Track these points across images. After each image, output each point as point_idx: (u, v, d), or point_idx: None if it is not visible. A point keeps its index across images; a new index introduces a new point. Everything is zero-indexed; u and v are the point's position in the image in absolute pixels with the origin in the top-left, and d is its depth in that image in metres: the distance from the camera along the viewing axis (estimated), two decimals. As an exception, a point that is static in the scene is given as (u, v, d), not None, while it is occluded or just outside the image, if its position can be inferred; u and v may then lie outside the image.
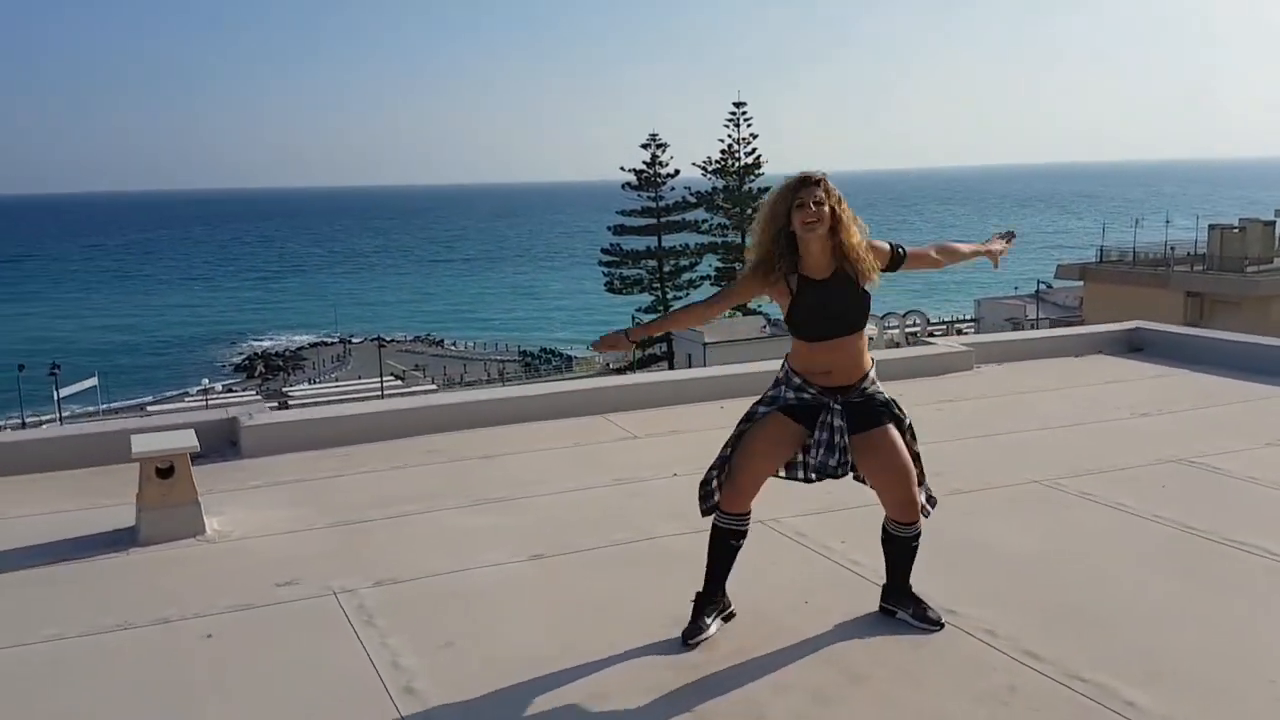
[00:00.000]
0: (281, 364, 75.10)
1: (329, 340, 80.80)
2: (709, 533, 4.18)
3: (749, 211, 60.02)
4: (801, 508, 5.69)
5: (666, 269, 58.58)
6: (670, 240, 59.13)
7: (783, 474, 4.20)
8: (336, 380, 62.63)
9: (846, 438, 4.00)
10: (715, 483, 4.13)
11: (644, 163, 58.63)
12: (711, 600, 4.22)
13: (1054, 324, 46.85)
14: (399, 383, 55.17)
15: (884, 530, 4.29)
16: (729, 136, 61.01)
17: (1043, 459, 6.58)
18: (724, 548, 4.16)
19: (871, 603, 4.52)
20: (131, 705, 3.83)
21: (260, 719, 3.69)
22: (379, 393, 45.66)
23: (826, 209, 3.91)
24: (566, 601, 4.65)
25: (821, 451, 4.01)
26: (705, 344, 49.06)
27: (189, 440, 5.52)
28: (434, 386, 51.04)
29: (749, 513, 4.16)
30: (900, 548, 4.26)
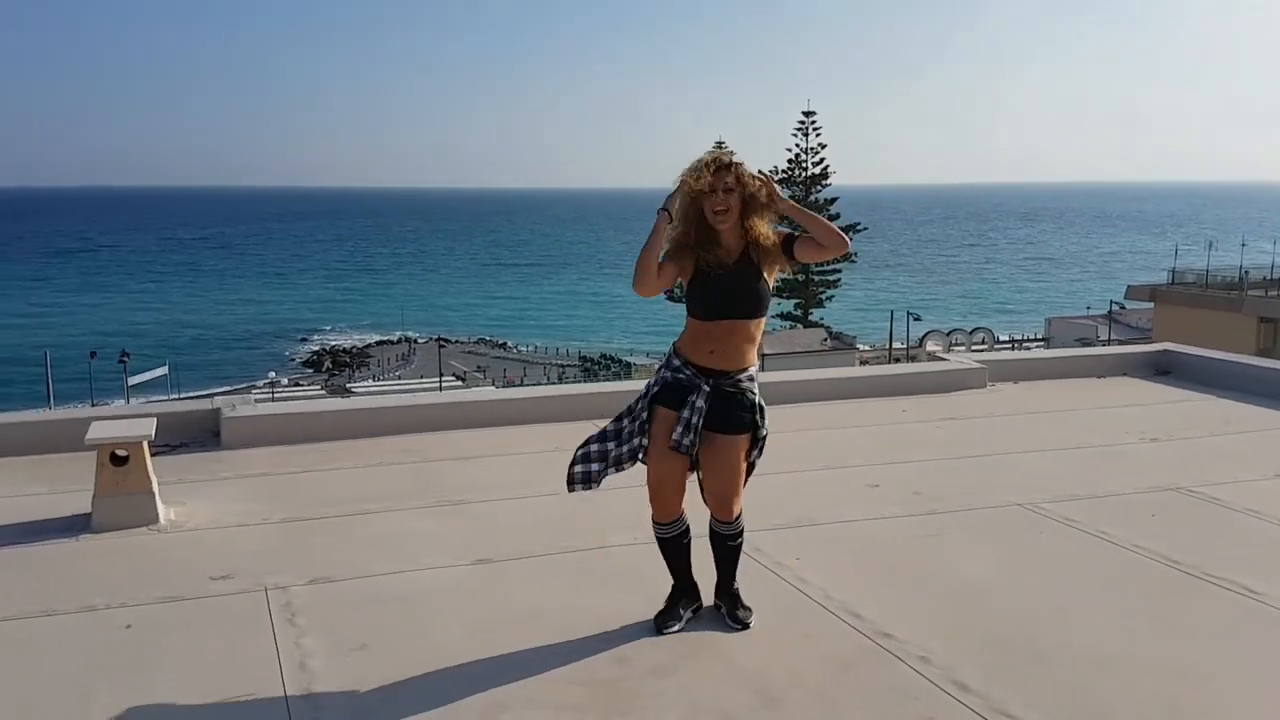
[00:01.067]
0: (348, 360, 76.11)
1: (394, 339, 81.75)
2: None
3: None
4: (762, 522, 5.51)
5: (728, 278, 58.37)
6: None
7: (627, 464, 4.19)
8: (399, 378, 63.31)
9: (700, 421, 3.96)
10: (587, 464, 4.14)
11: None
12: (687, 593, 4.26)
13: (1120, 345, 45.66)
14: (459, 383, 55.56)
15: (709, 527, 4.24)
16: (796, 145, 60.58)
17: (1032, 481, 6.31)
18: (675, 548, 4.21)
19: (810, 622, 4.35)
20: (19, 692, 3.78)
21: (146, 713, 3.61)
22: (437, 391, 46.02)
23: (736, 196, 3.86)
24: (499, 608, 4.52)
25: (679, 430, 3.96)
26: (764, 355, 48.75)
27: (145, 429, 5.51)
28: (492, 387, 51.33)
29: (682, 514, 4.16)
30: (720, 545, 4.23)
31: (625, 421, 4.15)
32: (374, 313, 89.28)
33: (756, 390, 4.11)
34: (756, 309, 4.01)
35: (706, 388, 3.98)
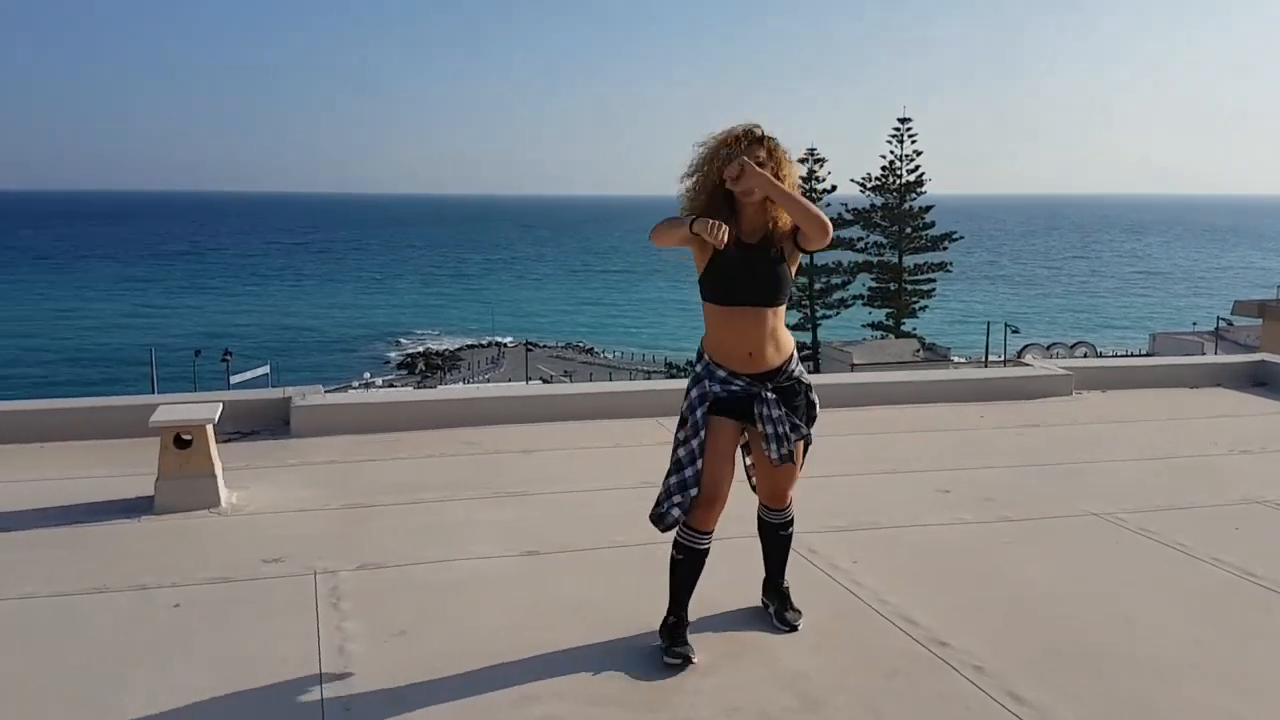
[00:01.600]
0: (440, 363, 77.19)
1: (484, 343, 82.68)
2: (672, 556, 3.90)
3: (908, 230, 58.64)
4: (821, 524, 5.38)
5: (817, 286, 57.60)
6: (823, 258, 58.13)
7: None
8: (488, 381, 63.98)
9: (787, 424, 3.79)
10: (673, 504, 3.80)
11: (800, 178, 57.83)
12: (685, 623, 3.93)
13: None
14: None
15: (759, 520, 4.14)
16: (891, 153, 59.66)
17: (1111, 491, 6.05)
18: (699, 564, 3.89)
19: (860, 626, 4.20)
20: (61, 666, 3.82)
21: (181, 692, 3.62)
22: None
23: (769, 172, 3.63)
24: (542, 600, 4.46)
25: (772, 445, 3.79)
26: (853, 365, 48.12)
27: (209, 413, 5.58)
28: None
29: (713, 530, 3.88)
30: (772, 535, 4.13)
31: (685, 449, 3.81)
32: (465, 317, 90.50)
33: (804, 373, 3.94)
34: (779, 295, 3.76)
35: (770, 395, 3.77)
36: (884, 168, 59.70)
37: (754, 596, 4.33)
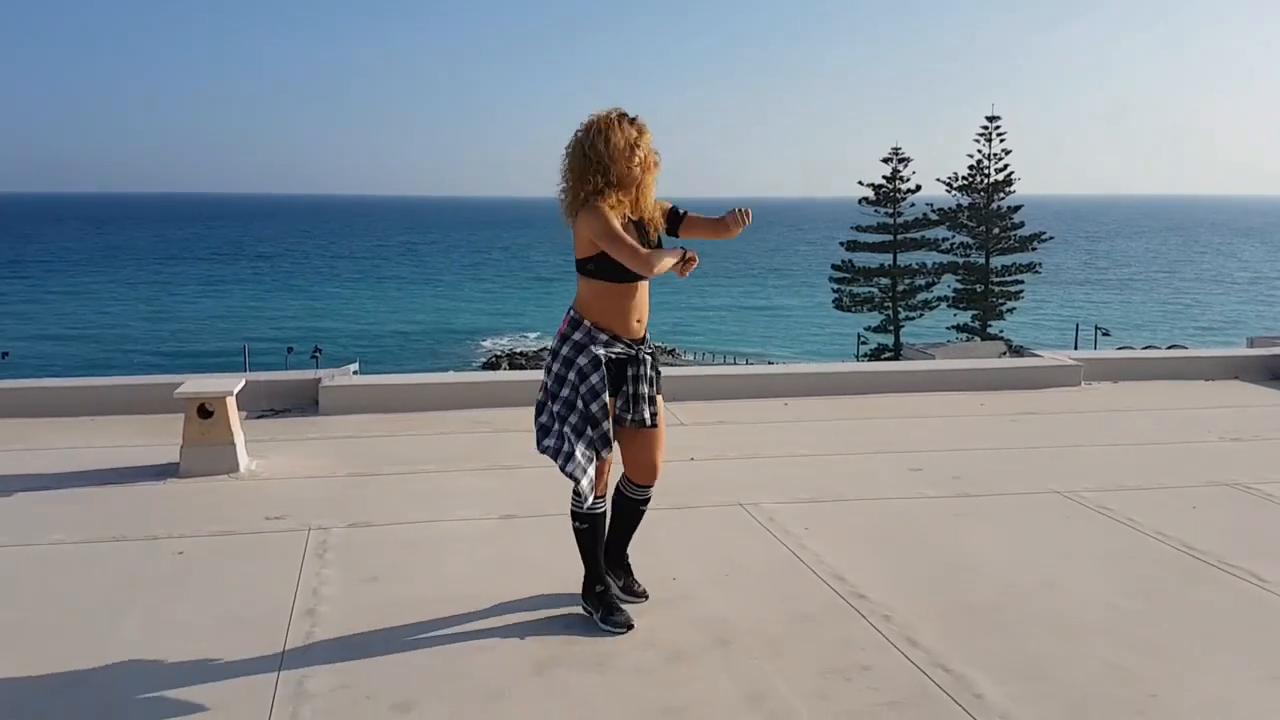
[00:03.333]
0: (524, 363, 78.36)
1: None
2: (578, 529, 4.14)
3: (995, 231, 57.80)
4: (788, 496, 5.74)
5: (901, 288, 57.13)
6: (906, 258, 57.69)
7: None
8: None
9: (654, 387, 4.07)
10: (583, 472, 3.96)
11: (884, 178, 57.42)
12: (611, 588, 4.19)
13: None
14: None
15: (618, 492, 4.24)
16: (979, 152, 58.80)
17: (1084, 473, 6.26)
18: (600, 531, 4.17)
19: (793, 583, 4.53)
20: (69, 598, 4.36)
21: (171, 623, 4.11)
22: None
23: (643, 154, 3.89)
24: (507, 557, 4.88)
25: (643, 406, 4.03)
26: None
27: (229, 386, 6.12)
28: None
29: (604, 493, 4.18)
30: (633, 511, 4.25)
31: (585, 421, 3.95)
32: (544, 318, 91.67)
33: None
34: None
35: (647, 355, 4.03)
36: (971, 167, 58.94)
37: (698, 547, 4.68)
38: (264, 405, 7.76)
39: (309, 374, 8.18)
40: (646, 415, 4.05)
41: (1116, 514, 5.48)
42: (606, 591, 4.15)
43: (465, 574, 4.63)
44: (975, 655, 3.83)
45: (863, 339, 57.37)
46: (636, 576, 4.36)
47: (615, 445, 4.09)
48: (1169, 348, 58.90)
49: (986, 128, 58.89)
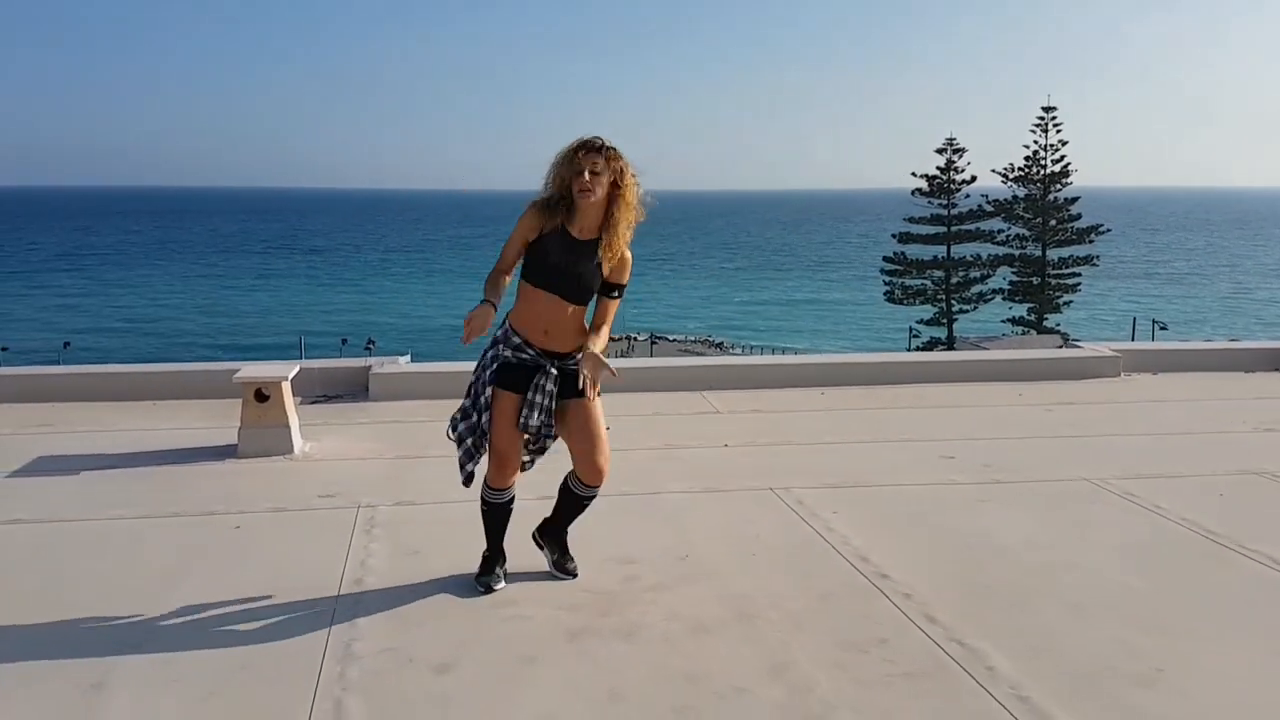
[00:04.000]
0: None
1: (615, 336, 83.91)
2: (480, 508, 4.43)
3: (1052, 223, 57.14)
4: (818, 481, 5.91)
5: (954, 280, 56.69)
6: (960, 250, 57.23)
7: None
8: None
9: (554, 402, 4.17)
10: (467, 451, 4.32)
11: (938, 168, 56.96)
12: (498, 558, 4.49)
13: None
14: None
15: (565, 483, 4.44)
16: (1035, 143, 58.02)
17: (1114, 461, 6.35)
18: (502, 515, 4.45)
19: (817, 562, 4.70)
20: (129, 567, 4.66)
21: (227, 588, 4.39)
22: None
23: (605, 179, 4.03)
24: (544, 533, 5.09)
25: (535, 413, 4.17)
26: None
27: (285, 371, 6.41)
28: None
29: (511, 484, 4.39)
30: (573, 503, 4.44)
31: (473, 408, 4.30)
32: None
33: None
34: (586, 293, 4.15)
35: (553, 370, 4.15)
36: (1027, 158, 58.19)
37: (726, 527, 4.88)
38: (318, 391, 8.08)
39: (360, 361, 8.48)
40: (533, 421, 4.19)
41: (1142, 500, 5.59)
42: (489, 560, 4.47)
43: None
44: (990, 631, 3.98)
45: (915, 332, 57.02)
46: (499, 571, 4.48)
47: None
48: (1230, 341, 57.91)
49: (1043, 118, 58.10)
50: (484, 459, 4.34)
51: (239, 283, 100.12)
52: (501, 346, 4.21)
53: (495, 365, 4.22)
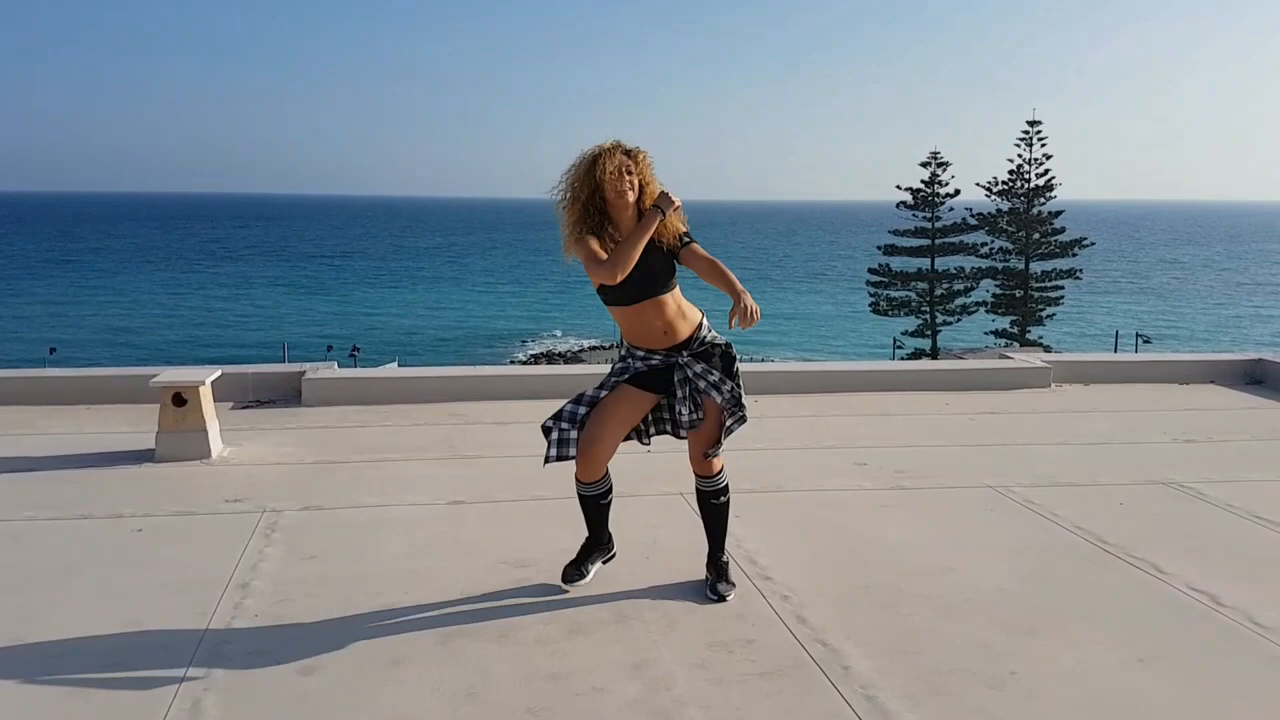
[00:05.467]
0: (564, 361, 78.88)
1: (607, 345, 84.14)
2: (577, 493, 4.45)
3: (1036, 236, 57.36)
4: (732, 488, 5.95)
5: (938, 292, 56.89)
6: (944, 263, 57.45)
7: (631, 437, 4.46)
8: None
9: (709, 379, 4.25)
10: (559, 436, 4.29)
11: (922, 181, 57.21)
12: (597, 548, 4.55)
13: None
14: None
15: (696, 490, 4.53)
16: (1019, 156, 58.24)
17: (1025, 469, 6.44)
18: (595, 507, 4.46)
19: (704, 561, 4.75)
20: (26, 564, 4.72)
21: (115, 588, 4.45)
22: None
23: (635, 177, 4.12)
24: (445, 538, 5.16)
25: (687, 409, 4.25)
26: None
27: (202, 376, 6.47)
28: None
29: (606, 475, 4.39)
30: (704, 503, 4.50)
31: (581, 403, 4.31)
32: (593, 319, 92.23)
33: (716, 334, 4.35)
34: (670, 280, 4.20)
35: (686, 358, 4.22)
36: (1011, 171, 58.41)
37: (627, 531, 4.95)
38: (250, 397, 8.13)
39: (293, 367, 8.52)
40: (684, 417, 4.28)
41: (1040, 508, 5.67)
42: (585, 545, 4.52)
43: (400, 554, 4.92)
44: (856, 631, 4.06)
45: (899, 343, 57.20)
46: (589, 566, 4.51)
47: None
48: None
49: (1028, 132, 58.34)
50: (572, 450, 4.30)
51: (225, 288, 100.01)
52: (631, 360, 4.29)
53: (628, 373, 4.28)
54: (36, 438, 7.08)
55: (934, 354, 54.21)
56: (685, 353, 4.25)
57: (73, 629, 4.04)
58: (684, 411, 4.26)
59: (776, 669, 3.76)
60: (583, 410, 4.33)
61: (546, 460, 4.35)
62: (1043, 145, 58.19)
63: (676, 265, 4.24)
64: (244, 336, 73.26)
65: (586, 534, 4.55)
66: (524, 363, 79.64)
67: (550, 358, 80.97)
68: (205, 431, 6.42)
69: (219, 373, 6.77)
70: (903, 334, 57.61)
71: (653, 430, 4.52)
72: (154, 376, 6.65)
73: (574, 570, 4.48)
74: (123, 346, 67.88)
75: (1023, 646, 3.95)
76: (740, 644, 3.97)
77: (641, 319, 4.23)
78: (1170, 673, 3.76)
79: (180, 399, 6.38)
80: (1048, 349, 53.76)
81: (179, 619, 4.13)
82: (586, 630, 4.09)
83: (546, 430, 4.34)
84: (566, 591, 4.45)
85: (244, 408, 7.95)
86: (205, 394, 6.47)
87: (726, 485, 4.49)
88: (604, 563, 4.60)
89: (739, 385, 4.36)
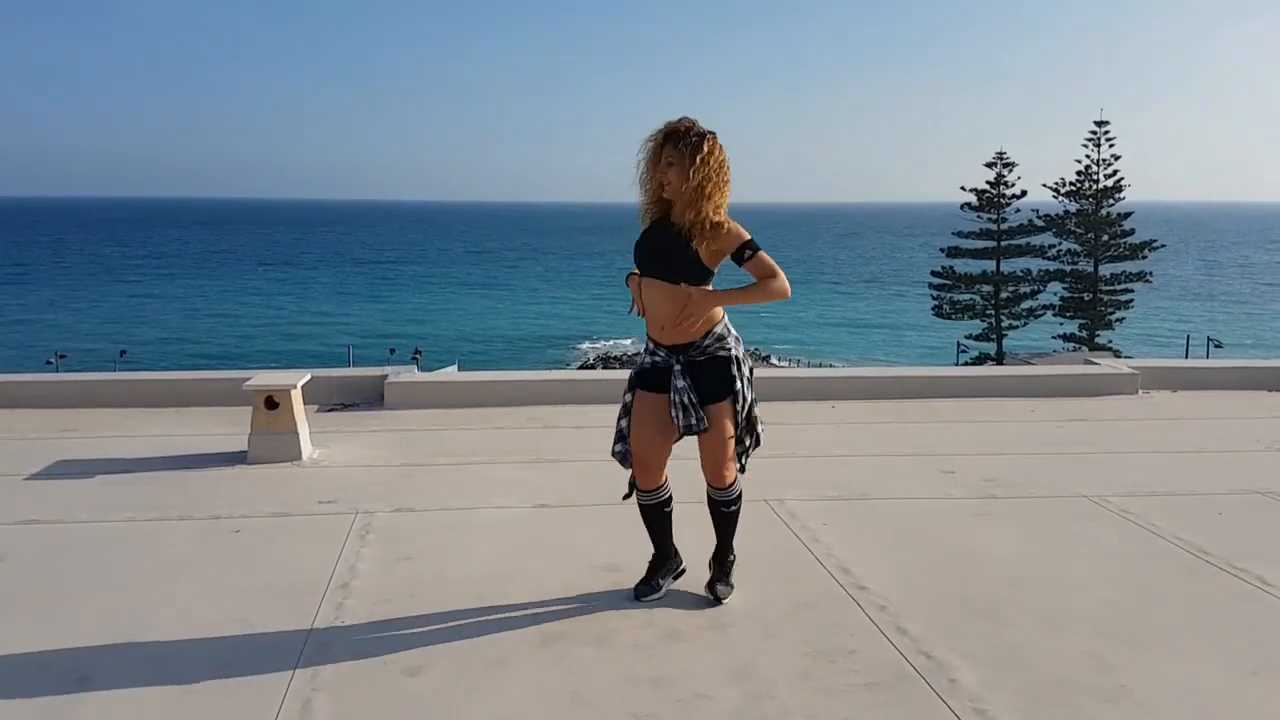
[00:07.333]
0: (619, 365, 78.98)
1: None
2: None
3: (1104, 238, 56.41)
4: (815, 494, 5.95)
5: (1004, 295, 56.11)
6: (1010, 266, 56.67)
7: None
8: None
9: (691, 396, 4.14)
10: (622, 450, 4.34)
11: (987, 182, 56.47)
12: (664, 562, 4.54)
13: None
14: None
15: (706, 495, 4.42)
16: (1087, 157, 57.29)
17: (1118, 478, 6.33)
18: (653, 516, 4.45)
19: (799, 572, 4.75)
20: (130, 566, 4.82)
21: (218, 589, 4.53)
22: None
23: (680, 166, 4.03)
24: (532, 540, 5.19)
25: (679, 413, 4.18)
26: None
27: (294, 379, 6.57)
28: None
29: (663, 484, 4.38)
30: (715, 511, 4.42)
31: (622, 415, 4.37)
32: (636, 321, 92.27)
33: (732, 348, 4.23)
34: (680, 273, 4.08)
35: (678, 367, 4.15)
36: (1079, 172, 57.49)
37: (713, 538, 4.93)
38: (335, 399, 8.25)
39: (376, 370, 8.63)
40: (680, 422, 4.18)
41: (1138, 518, 5.57)
42: (652, 561, 4.51)
43: (491, 556, 4.95)
44: (959, 643, 4.01)
45: (964, 347, 56.51)
46: (661, 581, 4.49)
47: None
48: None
49: (1095, 133, 57.43)
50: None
51: (291, 292, 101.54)
52: (644, 352, 4.34)
53: (635, 371, 4.33)
54: (130, 440, 7.23)
55: (999, 358, 53.47)
56: (682, 358, 4.18)
57: (181, 629, 4.11)
58: (678, 417, 4.16)
59: (881, 680, 3.73)
60: (624, 422, 4.36)
61: (630, 487, 4.40)
62: (1110, 145, 57.21)
63: (710, 273, 4.14)
64: (312, 338, 74.40)
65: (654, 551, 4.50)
66: (582, 365, 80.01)
67: (607, 361, 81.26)
68: (296, 434, 6.52)
69: (309, 376, 6.87)
70: (967, 337, 56.91)
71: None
72: (246, 380, 6.78)
73: (645, 587, 4.46)
74: (189, 345, 69.23)
75: (1131, 659, 3.88)
76: (842, 654, 3.93)
77: (647, 294, 4.19)
78: (1286, 688, 3.67)
79: (272, 402, 6.48)
80: (1117, 354, 52.85)
81: (283, 619, 4.19)
82: (684, 636, 4.09)
83: (615, 454, 4.39)
84: (639, 595, 4.43)
85: (329, 410, 8.07)
86: (296, 397, 6.57)
87: (739, 495, 4.40)
88: (674, 579, 4.56)
89: (742, 406, 4.27)
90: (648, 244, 4.20)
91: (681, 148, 4.06)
